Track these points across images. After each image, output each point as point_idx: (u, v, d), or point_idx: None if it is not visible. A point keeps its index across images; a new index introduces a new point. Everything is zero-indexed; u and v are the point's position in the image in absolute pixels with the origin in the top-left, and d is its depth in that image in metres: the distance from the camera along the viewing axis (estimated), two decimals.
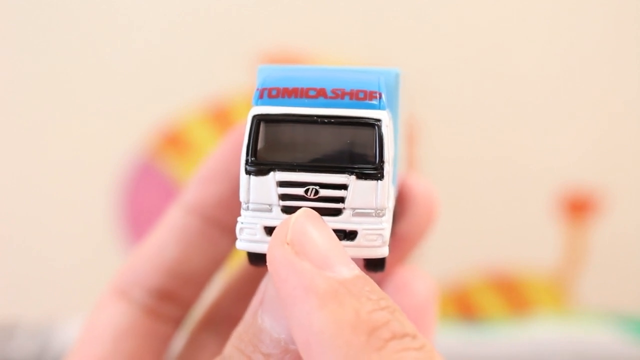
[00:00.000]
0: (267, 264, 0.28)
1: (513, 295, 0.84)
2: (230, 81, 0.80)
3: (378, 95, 0.30)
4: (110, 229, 0.82)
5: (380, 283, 0.39)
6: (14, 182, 0.82)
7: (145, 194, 0.83)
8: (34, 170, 0.82)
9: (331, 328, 0.26)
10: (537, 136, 0.82)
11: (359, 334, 0.26)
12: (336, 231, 0.30)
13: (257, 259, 0.32)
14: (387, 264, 0.37)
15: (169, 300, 0.38)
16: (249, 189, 0.30)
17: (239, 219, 0.31)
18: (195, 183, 0.38)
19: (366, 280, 0.27)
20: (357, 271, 0.28)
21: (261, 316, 0.30)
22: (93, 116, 0.81)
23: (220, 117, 0.81)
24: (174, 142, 0.82)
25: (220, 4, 0.80)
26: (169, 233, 0.38)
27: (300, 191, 0.30)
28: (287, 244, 0.28)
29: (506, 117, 0.81)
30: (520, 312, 0.84)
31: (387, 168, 0.30)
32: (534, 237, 0.83)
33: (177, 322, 0.39)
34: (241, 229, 0.31)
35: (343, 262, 0.28)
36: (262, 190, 0.30)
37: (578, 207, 0.83)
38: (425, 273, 0.40)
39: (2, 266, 0.83)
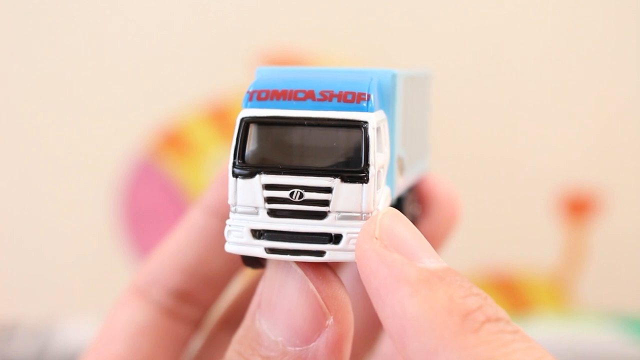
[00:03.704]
0: (356, 258, 0.28)
1: (513, 295, 0.84)
2: (230, 81, 0.80)
3: (366, 97, 0.30)
4: (110, 229, 0.82)
5: None
6: (14, 181, 0.82)
7: (145, 194, 0.83)
8: (34, 170, 0.82)
9: (425, 313, 0.26)
10: (537, 136, 0.82)
11: (454, 316, 0.26)
12: (321, 234, 0.29)
13: (251, 261, 0.32)
14: None
15: (188, 300, 0.38)
16: (236, 191, 0.30)
17: (227, 221, 0.31)
18: (215, 184, 0.38)
19: (455, 272, 0.28)
20: (445, 263, 0.28)
21: (259, 319, 0.30)
22: (93, 116, 0.81)
23: (220, 117, 0.81)
24: (174, 142, 0.82)
25: (220, 4, 0.80)
26: (189, 234, 0.38)
27: (285, 194, 0.30)
28: (376, 238, 0.28)
29: (506, 116, 0.81)
30: (520, 312, 0.84)
31: (373, 171, 0.29)
32: (534, 237, 0.83)
33: (195, 323, 0.39)
34: (229, 231, 0.30)
35: (431, 254, 0.28)
36: (249, 193, 0.30)
37: (578, 207, 0.83)
38: None
39: (2, 266, 0.83)
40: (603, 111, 0.81)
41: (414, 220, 0.39)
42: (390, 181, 0.32)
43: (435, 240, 0.40)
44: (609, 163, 0.82)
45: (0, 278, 0.83)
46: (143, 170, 0.82)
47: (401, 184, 0.34)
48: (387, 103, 0.32)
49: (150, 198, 0.83)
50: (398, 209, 0.36)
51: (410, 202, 0.39)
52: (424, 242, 0.29)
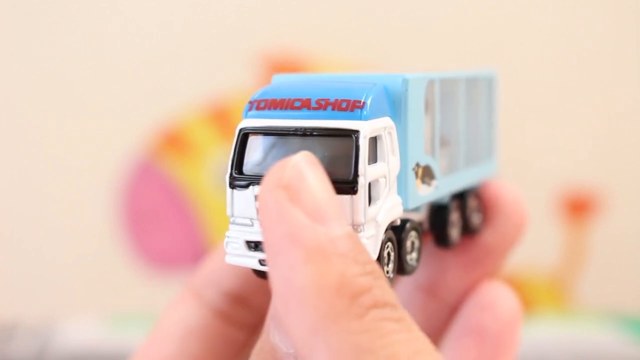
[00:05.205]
0: (257, 207, 0.27)
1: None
2: (230, 81, 0.80)
3: (361, 105, 0.29)
4: (110, 229, 0.82)
5: (462, 299, 0.38)
6: (15, 181, 0.82)
7: (145, 194, 0.83)
8: (35, 170, 0.82)
9: (314, 286, 0.25)
10: (536, 137, 0.81)
11: (342, 297, 0.25)
12: None
13: (260, 273, 0.31)
14: (471, 278, 0.37)
15: (243, 304, 0.37)
16: (232, 202, 0.30)
17: (226, 233, 0.30)
18: None
19: (355, 240, 0.26)
20: (348, 228, 0.26)
21: (272, 332, 0.30)
22: (93, 116, 0.81)
23: (220, 117, 0.81)
24: (174, 142, 0.82)
25: (220, 4, 0.80)
26: None
27: None
28: (282, 187, 0.26)
29: (507, 117, 0.81)
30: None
31: (362, 182, 0.28)
32: (534, 237, 0.83)
33: (251, 328, 0.38)
34: (227, 242, 0.30)
35: (336, 216, 0.26)
36: (244, 204, 0.29)
37: (578, 207, 0.83)
38: (510, 291, 0.38)
39: (2, 266, 0.83)
40: (602, 112, 0.81)
41: (475, 230, 0.38)
42: (403, 190, 0.31)
43: (499, 253, 0.38)
44: (609, 163, 0.82)
45: (0, 278, 0.83)
46: (143, 170, 0.82)
47: (427, 193, 0.33)
48: (397, 109, 0.31)
49: (150, 198, 0.83)
50: (438, 218, 0.36)
51: (471, 211, 0.38)
52: (333, 199, 0.27)
